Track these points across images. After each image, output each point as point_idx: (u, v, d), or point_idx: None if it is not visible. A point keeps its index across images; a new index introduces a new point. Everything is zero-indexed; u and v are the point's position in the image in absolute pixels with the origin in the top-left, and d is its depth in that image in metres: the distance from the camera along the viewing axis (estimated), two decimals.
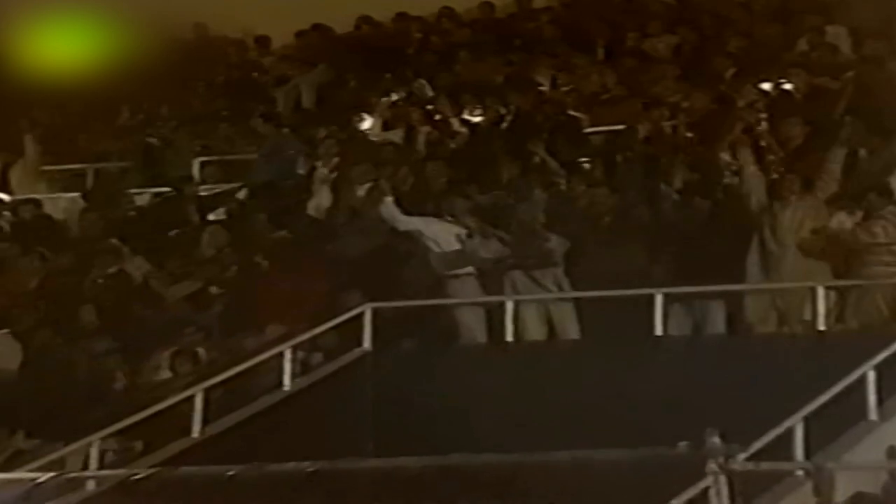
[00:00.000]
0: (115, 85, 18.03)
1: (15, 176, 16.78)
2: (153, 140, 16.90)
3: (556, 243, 13.09)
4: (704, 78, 15.07)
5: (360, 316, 12.70)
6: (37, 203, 16.08)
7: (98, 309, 13.80)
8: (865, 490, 9.84)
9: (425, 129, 15.55)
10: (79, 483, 11.28)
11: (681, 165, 13.55)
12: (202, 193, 15.63)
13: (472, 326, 13.03)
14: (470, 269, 13.23)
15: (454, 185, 14.26)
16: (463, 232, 13.31)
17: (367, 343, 12.70)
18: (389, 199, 13.57)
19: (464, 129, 15.48)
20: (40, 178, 16.92)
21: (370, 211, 14.06)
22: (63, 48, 18.37)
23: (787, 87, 14.44)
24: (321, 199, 14.85)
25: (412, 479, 10.07)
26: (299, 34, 18.30)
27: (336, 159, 15.17)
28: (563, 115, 14.94)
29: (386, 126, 16.06)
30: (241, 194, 15.51)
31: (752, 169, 13.02)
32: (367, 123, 16.05)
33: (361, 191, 14.58)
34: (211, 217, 15.27)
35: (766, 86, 14.25)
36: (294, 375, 12.38)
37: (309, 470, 10.11)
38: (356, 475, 10.32)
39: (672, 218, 13.10)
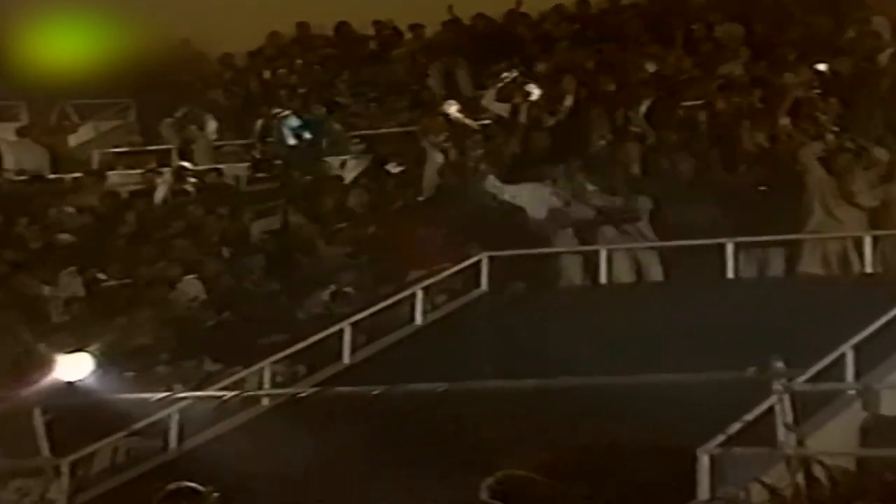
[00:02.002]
0: (277, 76, 18.31)
1: (198, 150, 17.02)
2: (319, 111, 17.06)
3: (640, 202, 13.01)
4: (770, 61, 14.87)
5: (479, 263, 12.74)
6: (218, 171, 16.32)
7: (267, 257, 14.01)
8: None
9: (527, 105, 15.49)
10: (255, 400, 11.47)
11: (748, 136, 13.37)
12: (350, 161, 15.78)
13: (572, 271, 13.04)
14: (568, 224, 13.21)
15: (555, 152, 14.22)
16: (558, 196, 13.28)
17: (484, 285, 12.74)
18: (492, 177, 13.53)
19: (562, 106, 15.39)
20: (216, 151, 17.18)
21: (480, 179, 14.08)
22: (226, 45, 18.71)
23: (837, 68, 14.18)
24: (434, 167, 14.83)
25: (524, 397, 10.10)
26: (415, 27, 18.36)
27: (445, 133, 15.21)
28: (648, 93, 14.78)
29: (499, 100, 16.03)
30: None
31: (813, 151, 12.80)
32: (484, 100, 16.06)
33: (471, 160, 14.61)
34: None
35: (821, 67, 14.01)
36: (424, 312, 12.46)
37: (439, 390, 10.16)
38: (477, 394, 10.35)
39: (742, 179, 12.95)
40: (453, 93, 16.58)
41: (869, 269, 11.82)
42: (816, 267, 12.22)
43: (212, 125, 17.12)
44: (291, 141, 16.38)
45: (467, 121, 15.38)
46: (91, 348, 10.84)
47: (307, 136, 16.39)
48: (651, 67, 15.26)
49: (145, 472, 10.88)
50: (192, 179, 15.86)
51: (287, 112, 16.60)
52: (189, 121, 17.08)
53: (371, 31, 18.87)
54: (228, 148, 17.26)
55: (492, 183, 13.44)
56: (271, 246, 14.27)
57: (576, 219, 13.14)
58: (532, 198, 13.27)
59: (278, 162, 16.17)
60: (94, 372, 10.63)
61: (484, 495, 5.46)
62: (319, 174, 15.78)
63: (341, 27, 19.00)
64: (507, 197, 13.37)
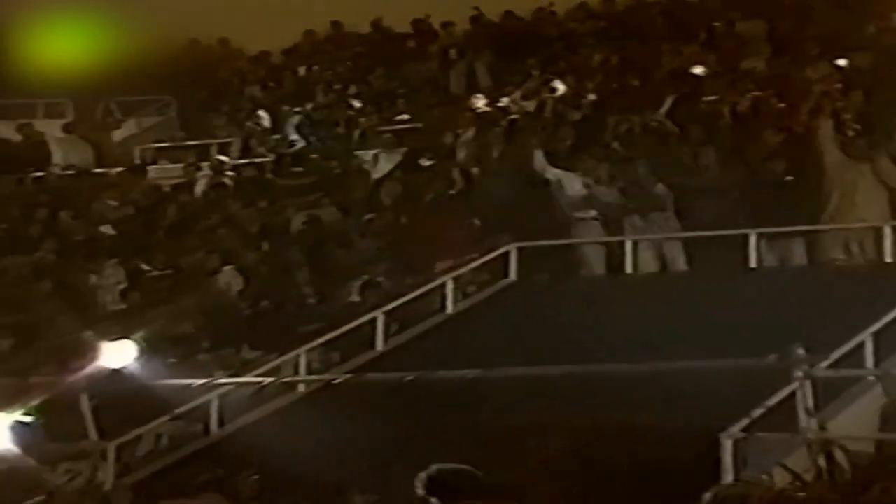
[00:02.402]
0: (311, 72, 18.37)
1: (256, 143, 17.08)
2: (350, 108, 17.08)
3: (664, 193, 12.96)
4: (791, 56, 14.80)
5: (507, 253, 12.74)
6: (258, 166, 16.38)
7: (302, 248, 14.04)
8: None
9: (552, 100, 15.45)
10: (291, 386, 11.48)
11: (769, 128, 13.30)
12: (381, 155, 15.80)
13: (595, 261, 12.99)
14: (594, 212, 13.17)
15: (581, 145, 14.17)
16: (591, 182, 13.26)
17: (512, 275, 12.72)
18: (540, 153, 13.54)
19: (587, 100, 15.37)
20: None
21: (511, 168, 14.05)
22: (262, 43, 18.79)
23: (857, 63, 14.08)
24: (464, 160, 14.81)
25: (550, 383, 10.09)
26: (445, 25, 18.36)
27: (474, 128, 15.16)
28: (670, 90, 14.72)
29: (524, 98, 16.03)
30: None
31: (827, 131, 12.71)
32: (505, 98, 16.05)
33: (497, 152, 14.58)
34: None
35: (841, 62, 13.92)
36: (455, 301, 12.46)
37: (469, 376, 10.16)
38: (506, 380, 10.34)
39: (763, 170, 12.87)
40: (473, 89, 16.60)
41: (888, 258, 11.73)
42: (839, 252, 12.15)
43: (265, 118, 17.22)
44: (295, 138, 16.44)
45: (500, 104, 15.35)
46: (135, 336, 10.92)
47: (312, 135, 16.45)
48: (699, 70, 15.05)
49: (187, 455, 10.95)
50: (230, 173, 15.96)
51: (297, 110, 16.66)
52: (245, 117, 17.23)
53: (404, 30, 18.93)
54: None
55: (539, 159, 13.38)
56: (306, 237, 14.30)
57: (605, 207, 13.10)
58: (571, 183, 13.21)
59: (314, 156, 16.23)
60: (138, 359, 10.70)
61: (419, 490, 5.34)
62: (351, 168, 15.82)
63: (376, 25, 19.07)
64: (550, 176, 13.31)
